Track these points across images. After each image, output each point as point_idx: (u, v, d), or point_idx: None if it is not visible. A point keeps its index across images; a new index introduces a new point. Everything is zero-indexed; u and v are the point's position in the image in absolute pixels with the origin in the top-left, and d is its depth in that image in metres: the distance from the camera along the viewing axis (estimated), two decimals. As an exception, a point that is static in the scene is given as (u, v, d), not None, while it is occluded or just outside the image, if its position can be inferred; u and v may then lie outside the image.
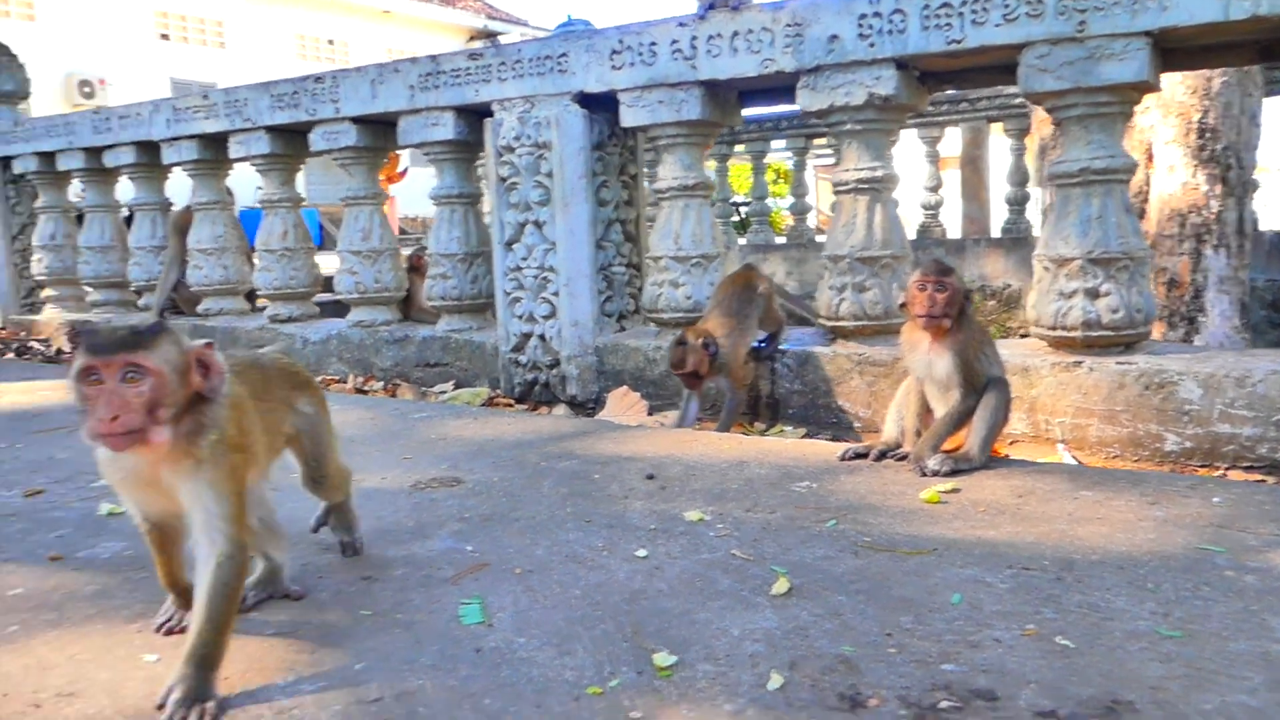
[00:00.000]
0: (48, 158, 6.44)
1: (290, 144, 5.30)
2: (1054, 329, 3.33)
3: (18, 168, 6.69)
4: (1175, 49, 3.25)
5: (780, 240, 12.46)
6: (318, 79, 4.97)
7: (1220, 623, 1.70)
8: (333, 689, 1.53)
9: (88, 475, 2.88)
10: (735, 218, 14.15)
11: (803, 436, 3.61)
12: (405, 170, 15.55)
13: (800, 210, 11.70)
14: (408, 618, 1.80)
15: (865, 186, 3.72)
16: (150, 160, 5.90)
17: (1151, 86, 3.24)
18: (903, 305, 2.87)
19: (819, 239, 11.79)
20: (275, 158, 5.32)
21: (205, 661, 1.50)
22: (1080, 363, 3.23)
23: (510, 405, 4.37)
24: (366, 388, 4.83)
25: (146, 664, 1.64)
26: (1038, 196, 9.31)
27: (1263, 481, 2.82)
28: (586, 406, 4.25)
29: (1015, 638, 1.66)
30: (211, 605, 1.53)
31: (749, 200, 12.54)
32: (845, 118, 3.66)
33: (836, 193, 3.84)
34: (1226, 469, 3.00)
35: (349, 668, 1.60)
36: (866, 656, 1.60)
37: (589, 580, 1.96)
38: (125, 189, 6.39)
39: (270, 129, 5.22)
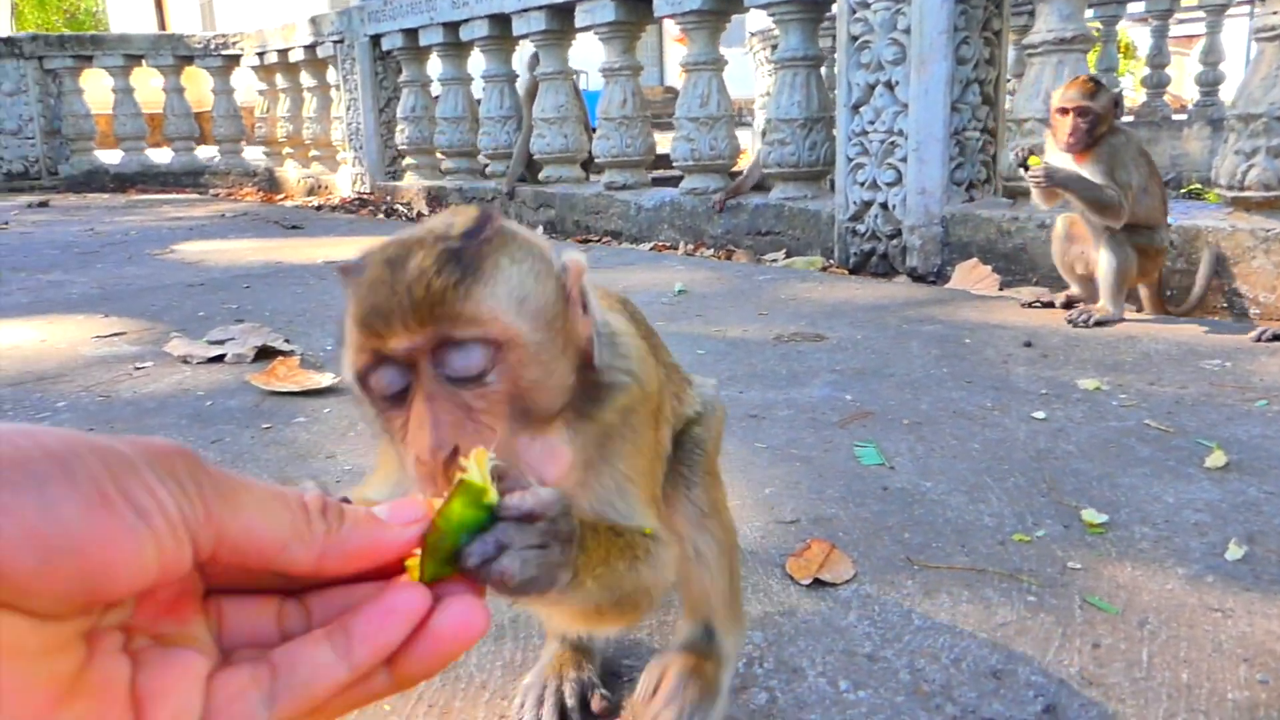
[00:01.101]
0: (411, 34, 7.00)
1: (634, 11, 5.37)
2: None
3: (385, 45, 7.33)
4: None
5: (1128, 119, 11.11)
6: (665, -57, 4.96)
7: None
8: (749, 508, 1.58)
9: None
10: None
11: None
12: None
13: (1156, 83, 10.33)
14: (803, 454, 1.82)
15: (1296, 31, 3.15)
16: (501, 33, 6.23)
17: None
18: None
19: (1176, 117, 10.40)
20: (619, 25, 5.42)
21: None
22: None
23: (844, 274, 4.28)
24: (697, 254, 4.93)
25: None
26: None
27: None
28: (928, 279, 4.06)
29: None
30: None
31: (1097, 74, 11.23)
32: (1278, -53, 3.09)
33: (1259, 39, 3.29)
34: None
35: (759, 491, 1.65)
36: (1341, 539, 1.41)
37: (986, 436, 1.87)
38: (476, 62, 6.84)
39: (616, -4, 5.31)
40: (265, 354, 2.56)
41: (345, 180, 8.16)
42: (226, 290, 3.67)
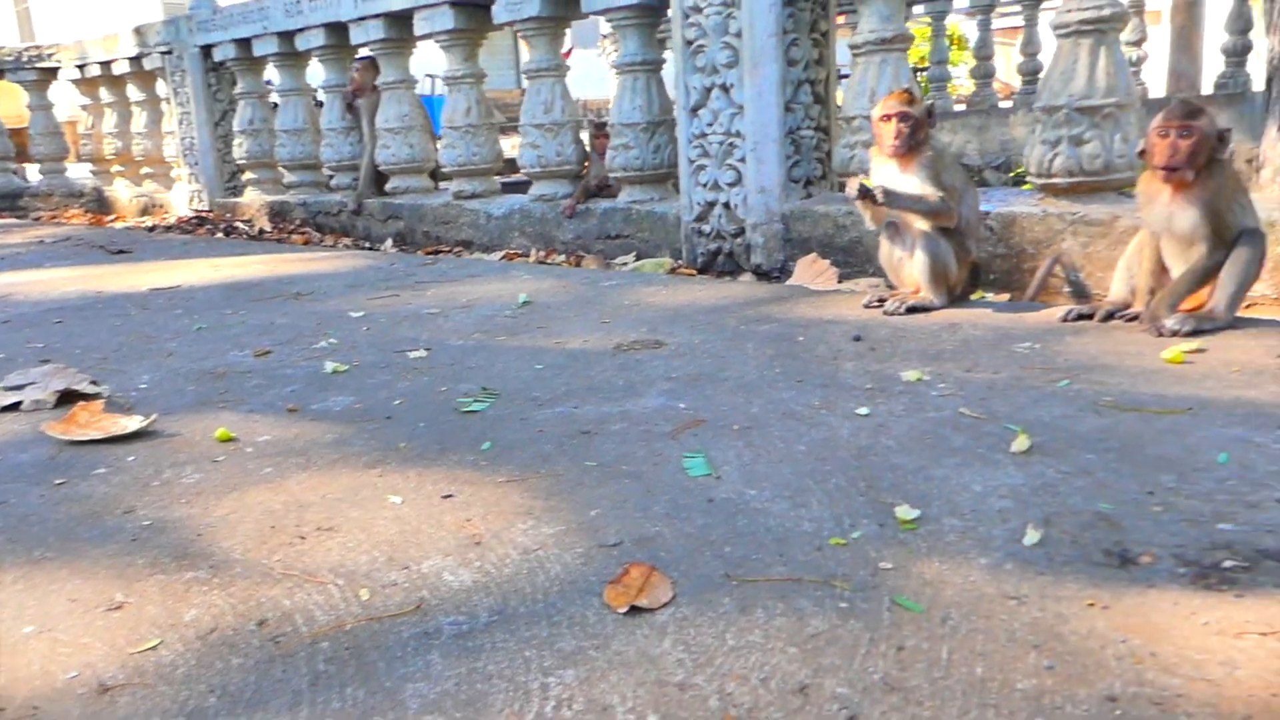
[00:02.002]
0: (244, 44, 6.70)
1: (473, 18, 5.29)
2: (1315, 180, 2.95)
3: (218, 55, 7.00)
4: None
5: (959, 108, 11.67)
6: (501, -53, 4.90)
7: None
8: (572, 533, 1.56)
9: (307, 338, 3.05)
10: (912, 83, 13.31)
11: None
12: (570, 50, 15.40)
13: (983, 74, 10.89)
14: (633, 469, 1.81)
15: (1089, 28, 3.36)
16: (339, 42, 6.04)
17: None
18: (1141, 153, 2.59)
19: (1003, 105, 10.98)
20: (459, 33, 5.33)
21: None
22: (1346, 216, 2.86)
23: (692, 275, 4.32)
24: (548, 260, 4.89)
25: (392, 504, 1.72)
26: (1261, 49, 8.28)
27: None
28: (772, 275, 4.15)
29: (1300, 502, 1.50)
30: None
31: (927, 65, 11.75)
32: (1070, -52, 3.28)
33: (1057, 37, 3.49)
34: None
35: (584, 514, 1.63)
36: (1128, 514, 1.49)
37: (811, 437, 1.91)
38: (315, 72, 6.61)
39: (454, 3, 5.22)
40: (69, 398, 2.38)
41: (182, 198, 7.76)
42: (34, 327, 3.42)
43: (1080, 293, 3.29)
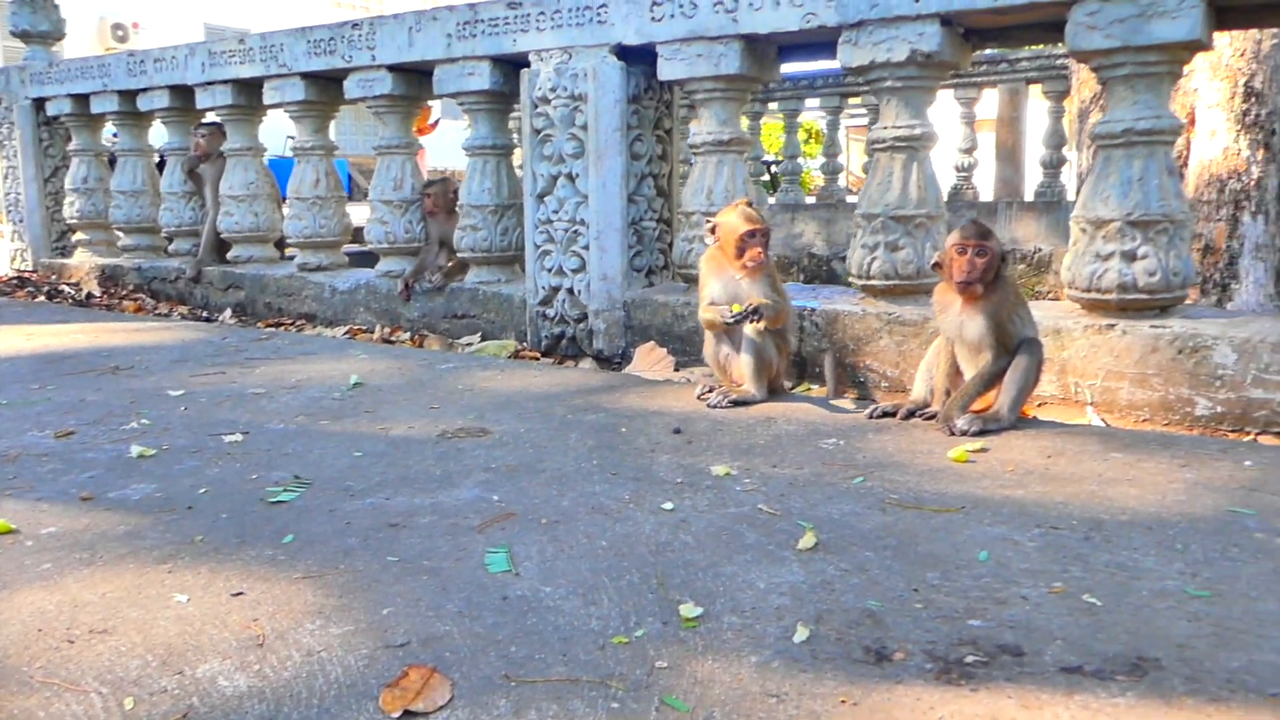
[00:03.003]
0: (81, 100, 6.46)
1: (325, 91, 5.28)
2: (1088, 291, 3.27)
3: (51, 109, 6.71)
4: (1230, 7, 3.15)
5: (810, 200, 12.31)
6: (355, 25, 4.94)
7: (1249, 584, 1.68)
8: (360, 634, 1.55)
9: (118, 417, 2.93)
10: (765, 176, 13.99)
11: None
12: (436, 121, 15.49)
13: (832, 170, 11.55)
14: (434, 565, 1.81)
15: (903, 144, 3.65)
16: (184, 104, 5.90)
17: (1204, 45, 3.14)
18: (936, 265, 2.83)
19: (850, 199, 11.64)
20: (310, 105, 5.31)
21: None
22: (1113, 325, 3.18)
23: (536, 358, 4.37)
24: (393, 338, 4.85)
25: (177, 604, 1.67)
26: (1073, 160, 9.14)
27: (1296, 450, 2.78)
28: (613, 361, 4.24)
29: (1042, 595, 1.65)
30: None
31: (780, 159, 12.37)
32: (886, 74, 3.58)
33: (873, 150, 3.77)
34: (1258, 434, 2.95)
35: (376, 613, 1.62)
36: (893, 611, 1.59)
37: (615, 532, 1.96)
38: (157, 133, 6.42)
39: (305, 75, 5.20)
40: None
41: (2, 257, 7.32)
42: None
43: (859, 386, 3.53)
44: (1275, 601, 1.61)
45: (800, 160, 12.22)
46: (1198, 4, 2.95)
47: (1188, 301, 6.10)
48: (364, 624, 1.58)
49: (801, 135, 14.86)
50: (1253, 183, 5.79)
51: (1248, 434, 2.99)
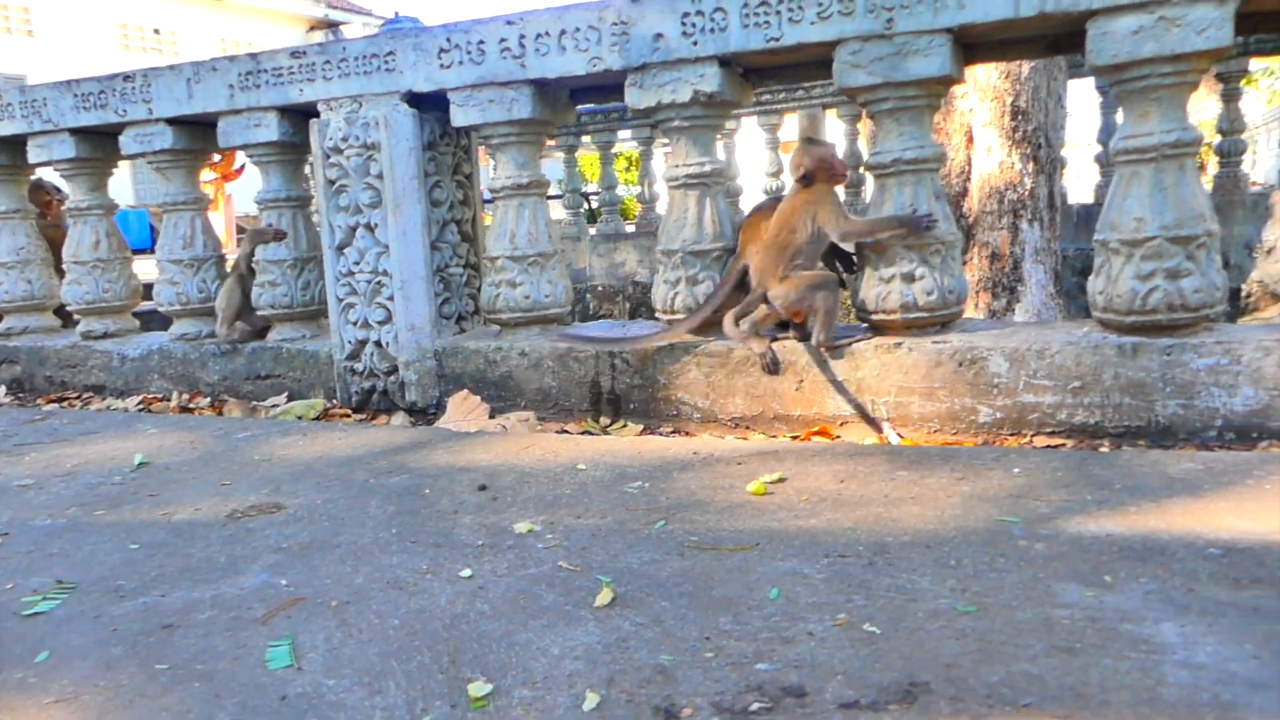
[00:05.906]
0: None
1: (99, 147, 4.94)
2: (875, 312, 3.45)
3: None
4: (976, 44, 3.41)
5: (630, 229, 12.51)
6: (127, 77, 4.64)
7: (1011, 593, 1.79)
8: (118, 756, 1.42)
9: None
10: (585, 208, 14.12)
11: (642, 431, 3.63)
12: (242, 168, 14.83)
13: (649, 198, 11.79)
14: (209, 668, 1.69)
15: (695, 181, 3.75)
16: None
17: (955, 79, 3.38)
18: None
19: (669, 225, 11.88)
20: (81, 162, 4.95)
21: None
22: (900, 344, 3.36)
23: (348, 416, 4.22)
24: (192, 405, 4.57)
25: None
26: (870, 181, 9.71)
27: (1060, 447, 3.01)
28: (428, 413, 4.14)
29: (827, 629, 1.70)
30: None
31: (599, 190, 12.53)
32: (673, 114, 3.67)
33: (669, 188, 3.86)
34: (1032, 436, 3.19)
35: (139, 730, 1.49)
36: (684, 664, 1.60)
37: (409, 607, 1.89)
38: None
39: (75, 131, 4.85)
40: None
41: None
42: None
43: (673, 420, 3.59)
44: (1033, 609, 1.72)
45: (619, 190, 12.42)
46: (945, 43, 3.18)
47: (981, 305, 6.57)
48: (121, 749, 1.45)
49: (621, 164, 15.14)
50: (1027, 193, 6.32)
51: (1024, 436, 3.22)
